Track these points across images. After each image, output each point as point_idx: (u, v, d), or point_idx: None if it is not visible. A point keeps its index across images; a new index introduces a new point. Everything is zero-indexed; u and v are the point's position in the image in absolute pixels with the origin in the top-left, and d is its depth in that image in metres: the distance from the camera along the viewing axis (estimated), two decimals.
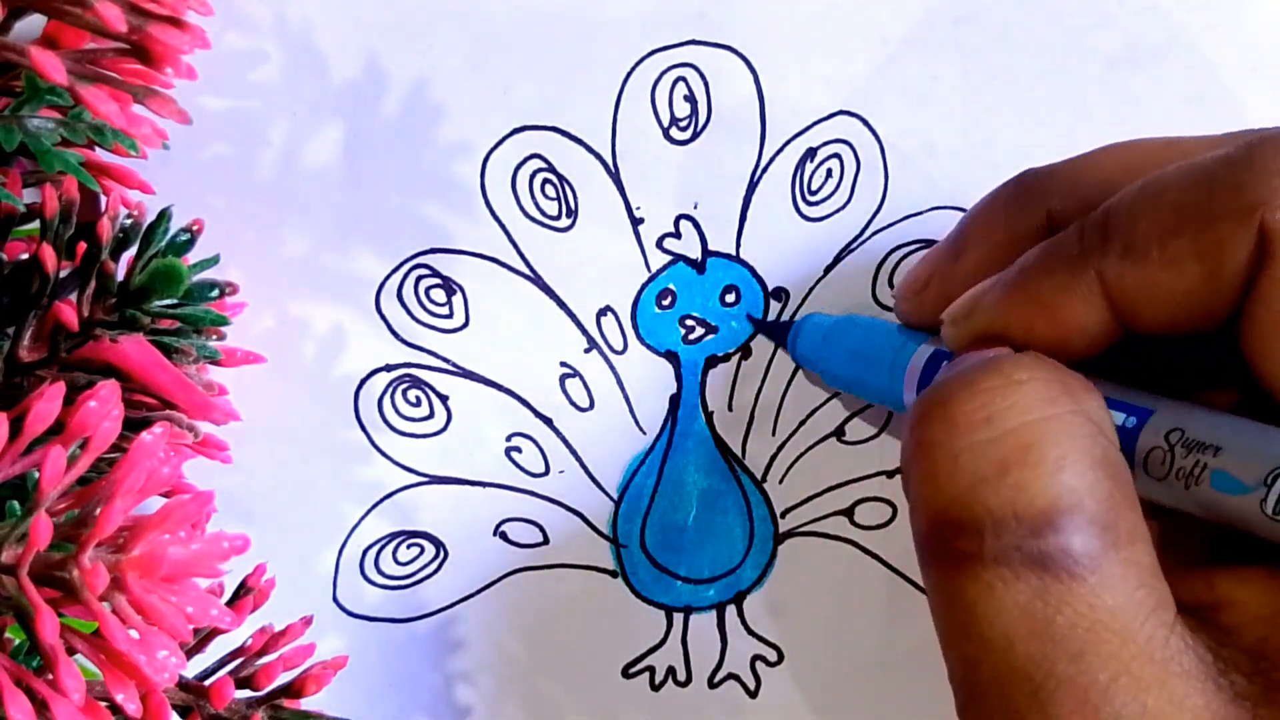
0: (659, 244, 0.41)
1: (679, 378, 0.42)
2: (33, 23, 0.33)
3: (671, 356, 0.42)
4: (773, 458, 0.42)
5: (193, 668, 0.34)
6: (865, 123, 0.41)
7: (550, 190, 0.41)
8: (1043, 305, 0.31)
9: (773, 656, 0.42)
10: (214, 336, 0.36)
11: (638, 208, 0.41)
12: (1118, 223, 0.29)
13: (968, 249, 0.36)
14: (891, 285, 0.41)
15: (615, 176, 0.41)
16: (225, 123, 0.40)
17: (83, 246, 0.34)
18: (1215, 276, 0.28)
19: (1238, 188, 0.28)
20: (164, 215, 0.35)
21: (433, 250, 0.41)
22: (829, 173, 0.41)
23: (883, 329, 0.38)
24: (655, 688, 0.42)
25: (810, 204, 0.41)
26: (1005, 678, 0.27)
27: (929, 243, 0.41)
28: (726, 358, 0.41)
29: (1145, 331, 0.30)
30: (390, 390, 0.41)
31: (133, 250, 0.34)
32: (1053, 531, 0.27)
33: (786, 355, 0.41)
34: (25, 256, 0.35)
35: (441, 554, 0.42)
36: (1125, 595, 0.27)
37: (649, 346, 0.41)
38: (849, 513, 0.41)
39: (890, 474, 0.41)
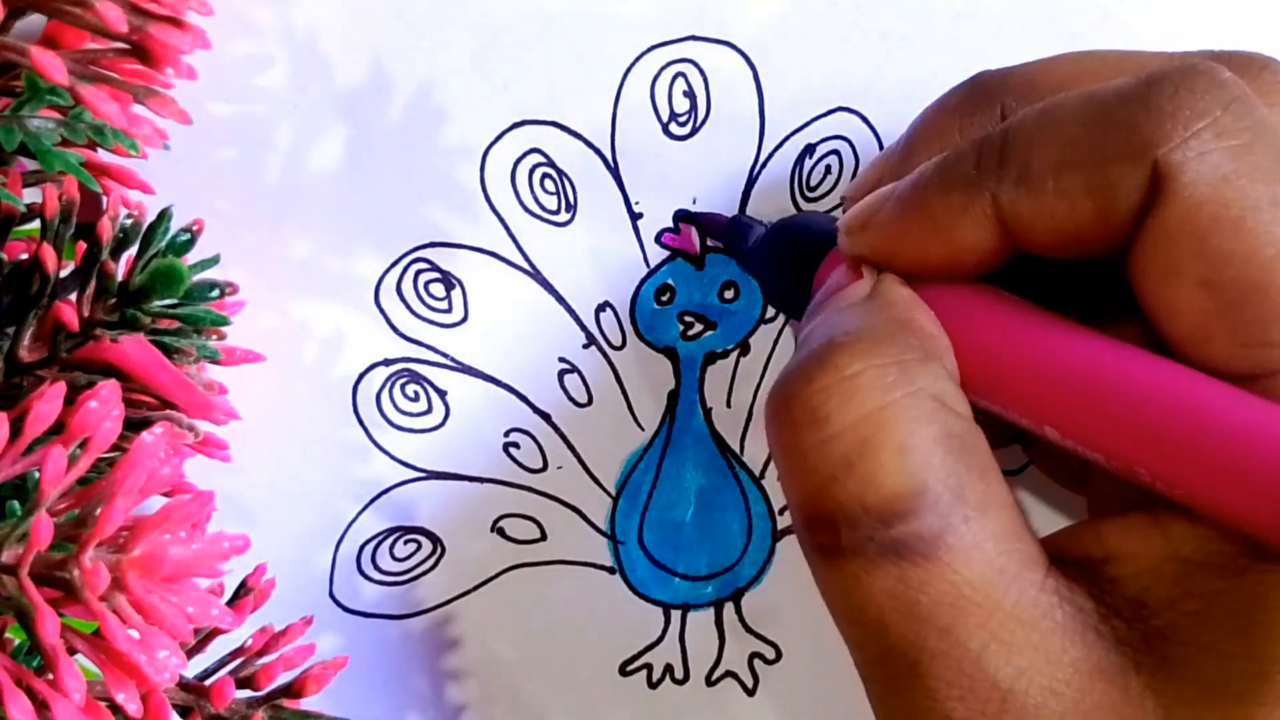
0: (658, 240, 0.41)
1: (677, 374, 0.42)
2: (32, 23, 0.33)
3: (670, 352, 0.42)
4: (771, 455, 0.42)
5: (193, 667, 0.34)
6: (864, 119, 0.41)
7: (550, 185, 0.41)
8: (935, 225, 0.31)
9: (770, 654, 0.42)
10: (214, 336, 0.36)
11: (637, 203, 0.41)
12: (1015, 148, 0.29)
13: (916, 150, 0.35)
14: None
15: (614, 172, 0.41)
16: (229, 127, 0.40)
17: (83, 246, 0.34)
18: (1107, 212, 0.28)
19: (1132, 126, 0.28)
20: (164, 215, 0.35)
21: (432, 245, 0.41)
22: (828, 169, 0.41)
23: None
24: (652, 685, 0.42)
25: (809, 200, 0.41)
26: (885, 658, 0.28)
27: None
28: (725, 354, 0.42)
29: (1038, 255, 0.30)
30: (389, 385, 0.41)
31: (133, 250, 0.34)
32: (899, 519, 0.27)
33: (785, 352, 0.41)
34: (25, 256, 0.35)
35: (439, 550, 0.42)
36: (984, 564, 0.28)
37: (648, 342, 0.42)
38: None
39: None
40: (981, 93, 0.34)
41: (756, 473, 0.42)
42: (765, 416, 0.30)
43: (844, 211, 0.35)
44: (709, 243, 0.41)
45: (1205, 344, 0.28)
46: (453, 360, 0.41)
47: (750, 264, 0.40)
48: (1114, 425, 0.28)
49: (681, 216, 0.41)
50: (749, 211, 0.41)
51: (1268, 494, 0.25)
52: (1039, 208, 0.29)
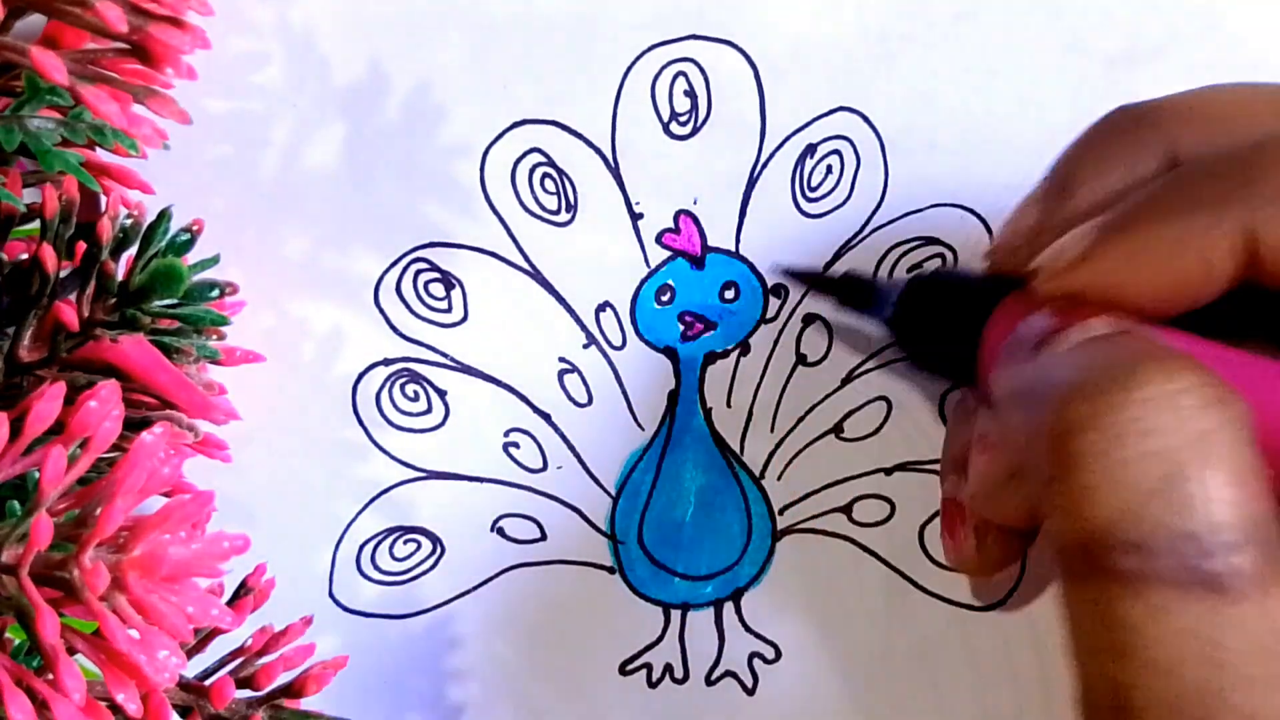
0: (658, 239, 0.41)
1: (678, 374, 0.42)
2: (33, 23, 0.33)
3: (670, 353, 0.42)
4: (771, 454, 0.42)
5: (193, 667, 0.34)
6: (865, 119, 0.41)
7: (550, 185, 0.41)
8: (1169, 252, 0.29)
9: (770, 654, 0.42)
10: (214, 336, 0.36)
11: (637, 203, 0.41)
12: (1265, 168, 0.28)
13: (1077, 190, 0.33)
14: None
15: (615, 172, 0.41)
16: (227, 124, 0.40)
17: (83, 246, 0.34)
18: None
19: None
20: (164, 215, 0.35)
21: (432, 244, 0.41)
22: (829, 169, 0.41)
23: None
24: (652, 685, 0.42)
25: (810, 200, 0.41)
26: (1171, 704, 0.25)
27: (930, 240, 0.41)
28: (725, 354, 0.42)
29: (1271, 285, 0.28)
30: (388, 385, 0.41)
31: (133, 250, 0.34)
32: (1225, 550, 0.25)
33: (785, 352, 0.41)
34: (25, 256, 0.35)
35: (438, 550, 0.42)
36: None
37: (648, 342, 0.42)
38: (847, 510, 0.41)
39: (889, 471, 0.41)
40: (1140, 123, 0.32)
41: (756, 473, 0.42)
42: (1056, 419, 0.27)
43: (990, 262, 0.34)
44: (710, 244, 0.41)
45: None
46: (452, 360, 0.41)
47: (887, 323, 0.37)
48: None
49: (784, 271, 0.40)
50: (749, 213, 0.41)
51: None
52: None
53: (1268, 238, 0.28)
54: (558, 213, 0.41)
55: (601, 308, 0.41)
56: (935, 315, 0.35)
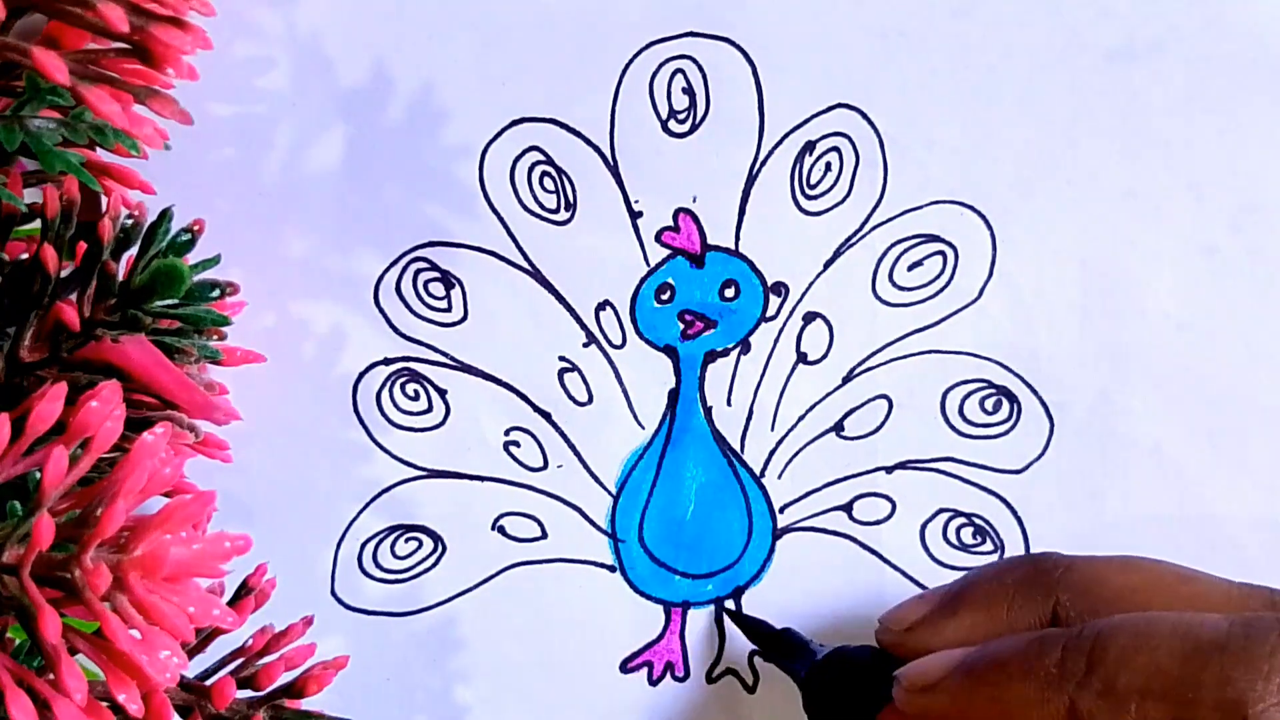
0: (658, 238, 0.41)
1: (678, 372, 0.42)
2: (34, 22, 0.33)
3: (670, 351, 0.42)
4: (771, 453, 0.42)
5: (194, 667, 0.34)
6: (864, 116, 0.41)
7: (549, 184, 0.41)
8: (1005, 710, 0.32)
9: None
10: (215, 336, 0.36)
11: (636, 201, 0.41)
12: (1103, 662, 0.31)
13: (965, 610, 0.36)
14: (892, 280, 0.41)
15: (614, 170, 0.41)
16: (231, 127, 0.40)
17: (84, 246, 0.34)
18: None
19: (1227, 680, 0.29)
20: (165, 216, 0.35)
21: (431, 244, 0.41)
22: (828, 166, 0.41)
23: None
24: (653, 682, 0.42)
25: (809, 198, 0.41)
26: None
27: (930, 237, 0.41)
28: (725, 353, 0.42)
29: None
30: (389, 384, 0.41)
31: (134, 250, 0.34)
32: None
33: (786, 350, 0.41)
34: (26, 256, 0.35)
35: (440, 548, 0.42)
36: None
37: (648, 341, 0.42)
38: (847, 508, 0.42)
39: (889, 469, 0.41)
40: (1039, 579, 0.36)
41: (757, 471, 0.42)
42: None
43: (880, 636, 0.38)
44: (709, 242, 0.41)
45: None
46: (452, 359, 0.41)
47: (801, 686, 0.39)
48: None
49: (731, 614, 0.42)
50: (749, 210, 0.41)
51: None
52: None
53: None
54: (557, 211, 0.41)
55: (601, 306, 0.41)
56: (834, 690, 0.38)
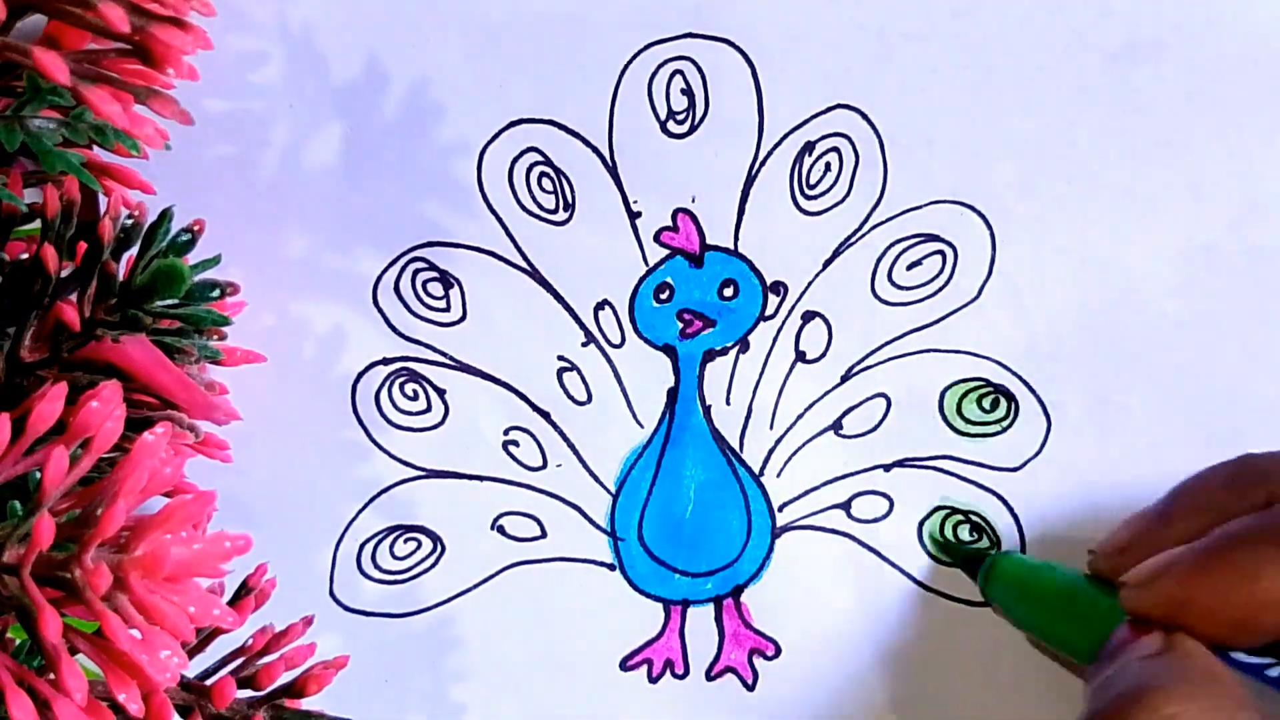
0: (656, 238, 0.41)
1: (677, 371, 0.42)
2: (34, 23, 0.33)
3: (669, 350, 0.42)
4: (770, 451, 0.42)
5: (194, 667, 0.34)
6: (864, 116, 0.41)
7: (547, 184, 0.41)
8: (1242, 576, 0.31)
9: (770, 650, 0.42)
10: (215, 336, 0.36)
11: (635, 201, 0.41)
12: None
13: (1177, 519, 0.36)
14: (891, 280, 0.41)
15: (612, 170, 0.41)
16: (227, 124, 0.40)
17: (84, 246, 0.34)
18: None
19: None
20: (165, 215, 0.35)
21: (430, 244, 0.41)
22: (827, 166, 0.41)
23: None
24: (653, 681, 0.42)
25: (809, 198, 0.41)
26: None
27: (930, 237, 0.41)
28: (724, 351, 0.42)
29: None
30: (387, 384, 0.41)
31: (134, 250, 0.34)
32: None
33: (784, 349, 0.41)
34: (26, 257, 0.35)
35: (439, 548, 0.42)
36: None
37: (646, 340, 0.42)
38: (846, 506, 0.42)
39: (888, 467, 0.42)
40: (1250, 474, 0.35)
41: (756, 470, 0.42)
42: None
43: (1096, 564, 0.37)
44: (708, 242, 0.41)
45: None
46: (451, 359, 0.41)
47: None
48: None
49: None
50: (748, 211, 0.41)
51: None
52: None
53: None
54: (555, 211, 0.41)
55: (600, 306, 0.41)
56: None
